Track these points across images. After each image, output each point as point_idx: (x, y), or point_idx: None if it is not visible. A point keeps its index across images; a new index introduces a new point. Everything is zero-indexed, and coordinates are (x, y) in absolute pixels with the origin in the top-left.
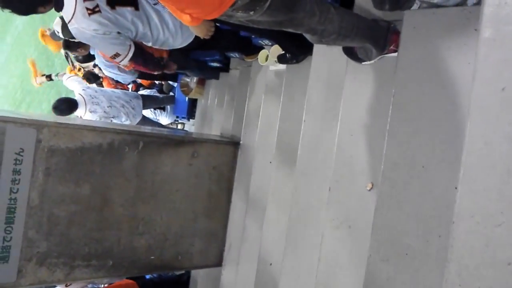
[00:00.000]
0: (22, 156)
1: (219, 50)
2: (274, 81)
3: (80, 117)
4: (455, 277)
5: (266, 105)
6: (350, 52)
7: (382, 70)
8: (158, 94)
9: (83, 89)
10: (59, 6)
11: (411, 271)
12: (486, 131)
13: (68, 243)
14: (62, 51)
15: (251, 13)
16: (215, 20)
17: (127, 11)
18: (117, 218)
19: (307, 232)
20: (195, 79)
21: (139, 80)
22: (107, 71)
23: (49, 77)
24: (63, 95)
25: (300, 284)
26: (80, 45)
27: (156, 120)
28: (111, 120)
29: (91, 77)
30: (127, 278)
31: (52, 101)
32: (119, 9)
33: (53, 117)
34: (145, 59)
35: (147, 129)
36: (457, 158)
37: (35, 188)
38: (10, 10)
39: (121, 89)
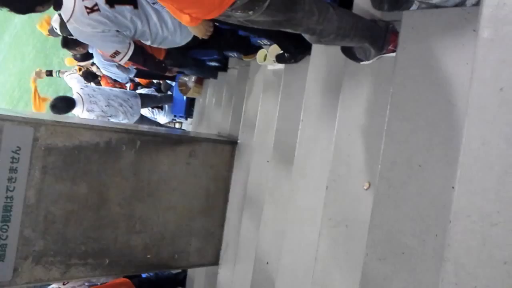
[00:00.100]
0: (19, 154)
1: (217, 49)
2: (272, 81)
3: (77, 115)
4: (452, 276)
5: (264, 104)
6: (348, 52)
7: (380, 70)
8: (156, 93)
9: (81, 88)
10: (58, 5)
11: (407, 270)
12: (483, 131)
13: (64, 241)
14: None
15: (250, 13)
16: (213, 20)
17: (126, 9)
18: (114, 216)
19: (304, 231)
20: (193, 78)
21: (137, 79)
22: (105, 70)
23: (49, 73)
24: (61, 94)
25: (297, 283)
26: (79, 43)
27: (153, 119)
28: (109, 119)
29: (89, 76)
30: (123, 276)
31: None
32: (118, 7)
33: (50, 116)
34: (145, 58)
35: (144, 128)
36: (454, 158)
37: (31, 187)
38: (9, 9)
39: (119, 87)
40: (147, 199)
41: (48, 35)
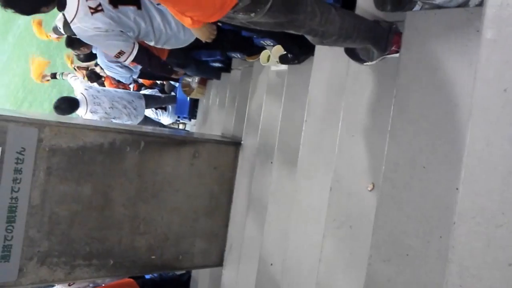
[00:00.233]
0: (23, 155)
1: (220, 50)
2: (275, 82)
3: (81, 116)
4: (456, 277)
5: (268, 105)
6: (351, 53)
7: (383, 71)
8: (159, 94)
9: (86, 89)
10: (62, 6)
11: (412, 272)
12: (487, 132)
13: (69, 242)
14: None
15: (252, 15)
16: (216, 21)
17: (130, 10)
18: (118, 217)
19: (308, 232)
20: (196, 79)
21: (140, 80)
22: (108, 71)
23: (53, 76)
24: (65, 95)
25: (301, 284)
26: (83, 43)
27: (157, 120)
28: (112, 121)
29: (93, 76)
30: (128, 277)
31: (54, 100)
32: (122, 8)
33: (54, 117)
34: (150, 58)
35: (148, 129)
36: (458, 159)
37: (36, 188)
38: (14, 10)
39: (123, 88)
40: (151, 200)
41: (49, 37)
